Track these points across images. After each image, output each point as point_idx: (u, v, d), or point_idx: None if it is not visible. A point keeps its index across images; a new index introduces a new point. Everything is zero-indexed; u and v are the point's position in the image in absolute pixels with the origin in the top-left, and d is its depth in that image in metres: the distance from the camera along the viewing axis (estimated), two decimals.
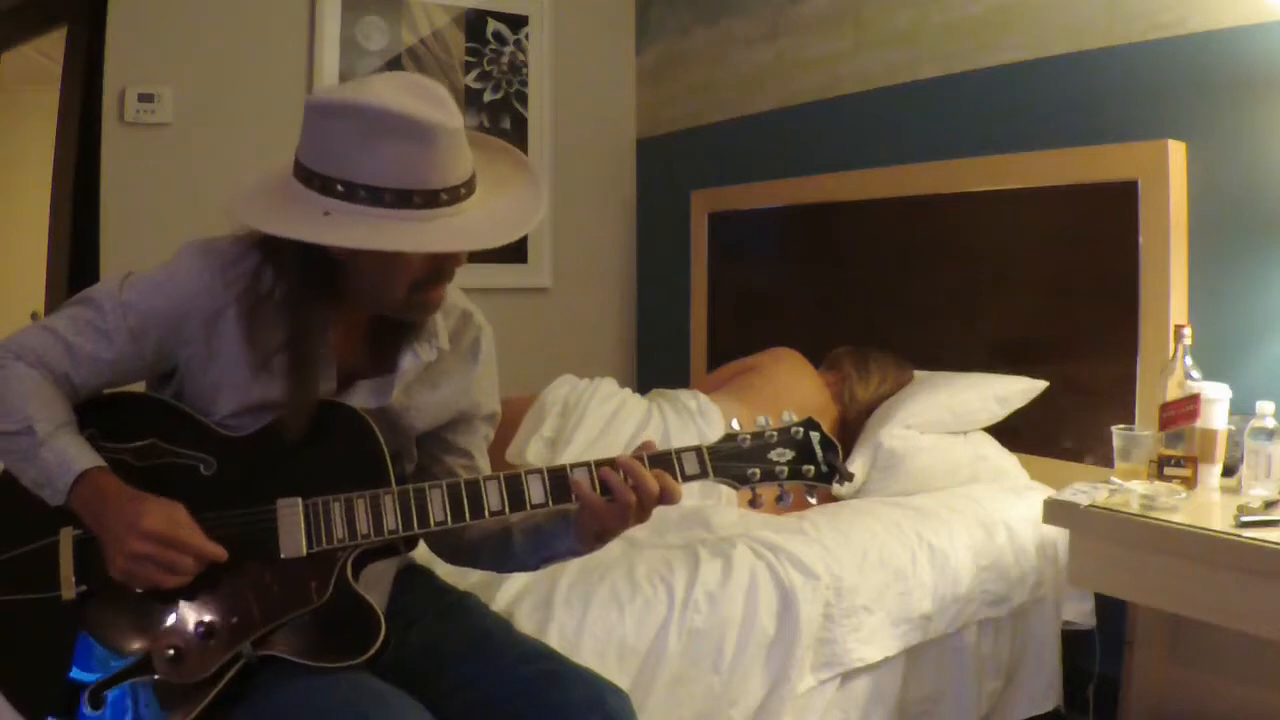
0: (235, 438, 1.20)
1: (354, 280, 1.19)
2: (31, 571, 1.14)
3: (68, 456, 1.12)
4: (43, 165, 3.18)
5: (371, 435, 1.19)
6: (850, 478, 1.27)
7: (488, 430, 1.42)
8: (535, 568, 1.33)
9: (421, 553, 1.46)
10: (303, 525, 1.14)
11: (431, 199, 1.10)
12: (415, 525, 1.16)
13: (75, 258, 2.96)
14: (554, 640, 1.44)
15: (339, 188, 1.09)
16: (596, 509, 1.17)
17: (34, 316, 3.84)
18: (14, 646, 1.15)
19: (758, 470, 1.21)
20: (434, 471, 1.37)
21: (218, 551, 1.12)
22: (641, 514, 1.18)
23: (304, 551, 1.13)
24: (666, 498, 1.17)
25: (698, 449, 1.21)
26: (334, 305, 1.21)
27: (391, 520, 1.15)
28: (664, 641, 1.54)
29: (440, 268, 1.18)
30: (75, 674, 1.10)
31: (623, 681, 1.46)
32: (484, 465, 1.41)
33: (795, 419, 1.25)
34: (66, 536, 1.14)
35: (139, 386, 1.29)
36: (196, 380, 1.22)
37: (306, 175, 1.13)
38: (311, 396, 1.19)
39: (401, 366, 1.26)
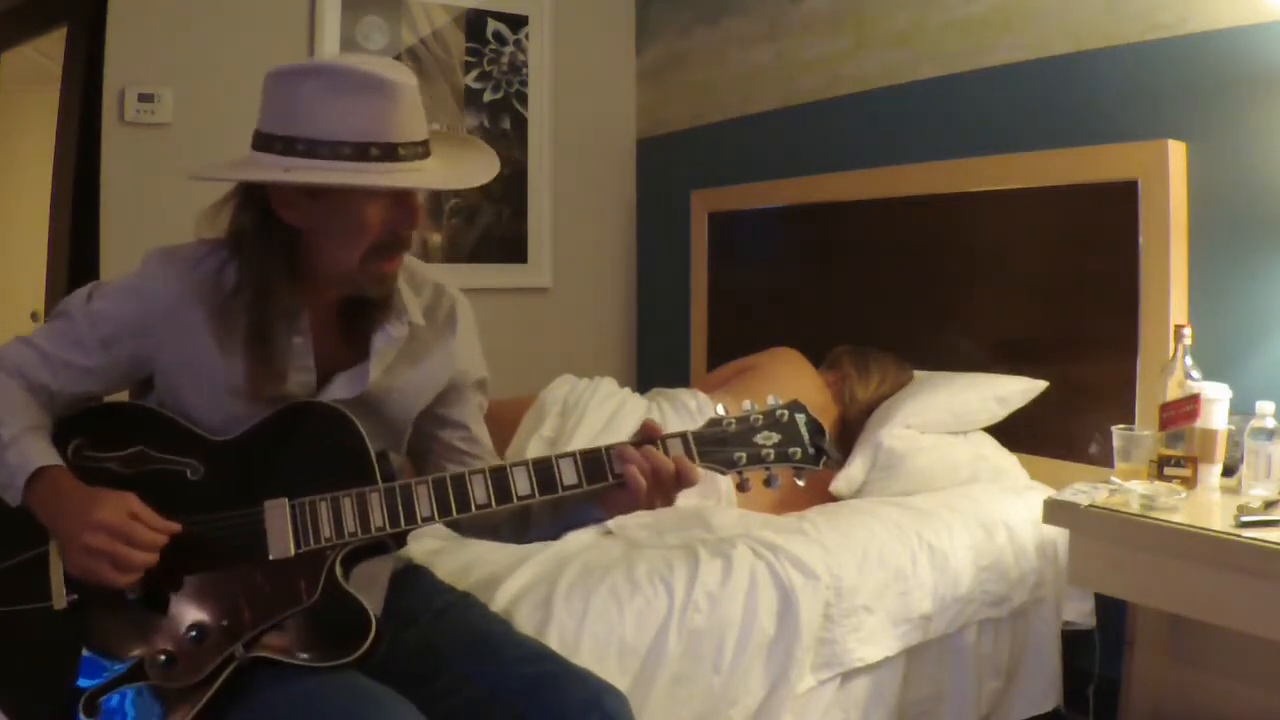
0: (221, 441, 1.20)
1: (313, 252, 1.20)
2: (23, 582, 1.14)
3: (26, 456, 1.13)
4: (43, 165, 3.18)
5: (353, 430, 1.19)
6: (840, 461, 1.27)
7: (480, 398, 1.42)
8: (557, 536, 1.37)
9: (420, 552, 1.46)
10: (290, 525, 1.14)
11: (390, 152, 1.13)
12: (402, 522, 1.15)
13: (75, 258, 2.95)
14: (554, 640, 1.44)
15: (299, 146, 1.11)
16: (609, 498, 1.19)
17: (34, 316, 3.84)
18: (9, 657, 1.15)
19: (744, 455, 1.20)
20: (432, 449, 1.37)
21: (171, 526, 1.11)
22: (665, 498, 1.18)
23: (291, 552, 1.13)
24: (685, 478, 1.17)
25: (683, 435, 1.20)
26: (298, 289, 1.21)
27: (379, 517, 1.15)
28: (664, 641, 1.54)
29: (397, 233, 1.19)
30: (81, 682, 1.10)
31: (622, 682, 1.47)
32: (481, 434, 1.40)
33: (780, 402, 1.24)
34: (55, 546, 1.14)
35: (122, 396, 1.30)
36: (172, 387, 1.22)
37: (266, 141, 1.14)
38: (274, 370, 1.19)
39: (375, 347, 1.25)
